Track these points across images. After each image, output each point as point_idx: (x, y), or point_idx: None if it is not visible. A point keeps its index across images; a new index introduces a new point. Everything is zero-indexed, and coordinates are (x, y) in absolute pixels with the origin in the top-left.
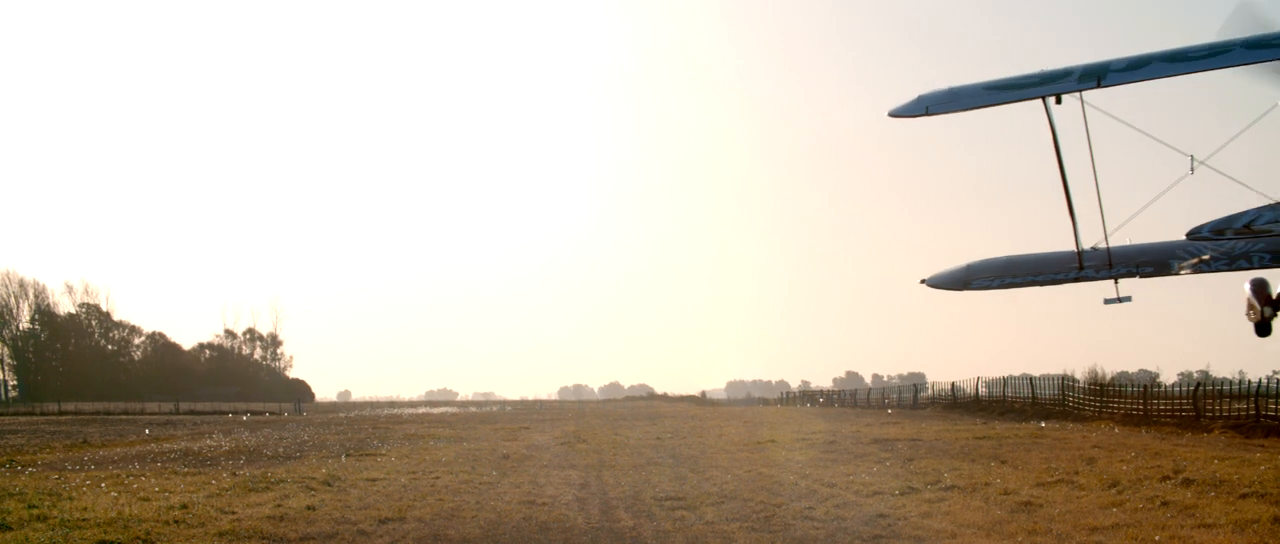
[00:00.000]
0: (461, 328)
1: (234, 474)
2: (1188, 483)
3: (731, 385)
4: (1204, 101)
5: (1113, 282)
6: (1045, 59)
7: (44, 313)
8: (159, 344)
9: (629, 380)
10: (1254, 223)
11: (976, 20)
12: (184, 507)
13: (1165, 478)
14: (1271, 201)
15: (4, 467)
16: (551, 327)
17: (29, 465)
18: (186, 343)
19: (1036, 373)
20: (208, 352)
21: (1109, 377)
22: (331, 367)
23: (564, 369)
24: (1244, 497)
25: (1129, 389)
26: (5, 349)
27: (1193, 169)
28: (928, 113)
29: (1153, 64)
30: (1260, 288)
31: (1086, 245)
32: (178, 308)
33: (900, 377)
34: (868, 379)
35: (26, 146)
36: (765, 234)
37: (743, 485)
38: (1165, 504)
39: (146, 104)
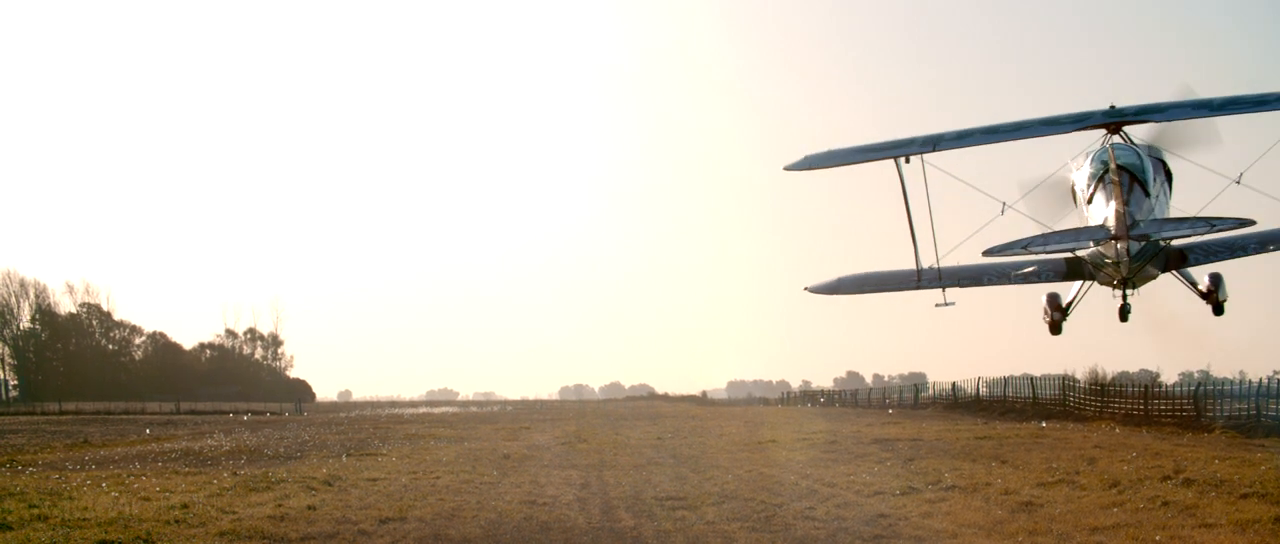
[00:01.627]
0: (462, 328)
1: (235, 474)
2: (1188, 483)
3: (732, 385)
4: (1012, 161)
5: (941, 291)
6: (1043, 55)
7: (44, 313)
8: (159, 344)
9: (630, 380)
10: (1029, 246)
11: (976, 19)
12: (184, 506)
13: (1166, 478)
14: (1044, 232)
15: (5, 466)
16: (552, 327)
17: (30, 465)
18: (187, 343)
19: (1037, 373)
20: (208, 351)
21: (1109, 377)
22: (332, 367)
23: (565, 369)
24: (1245, 497)
25: (1130, 389)
26: (6, 349)
27: (1003, 211)
28: (811, 167)
29: (975, 135)
30: (1053, 299)
31: (925, 265)
32: (178, 308)
33: (901, 376)
34: (868, 379)
35: (26, 146)
36: (765, 234)
37: (743, 485)
38: (1166, 504)
39: (146, 104)
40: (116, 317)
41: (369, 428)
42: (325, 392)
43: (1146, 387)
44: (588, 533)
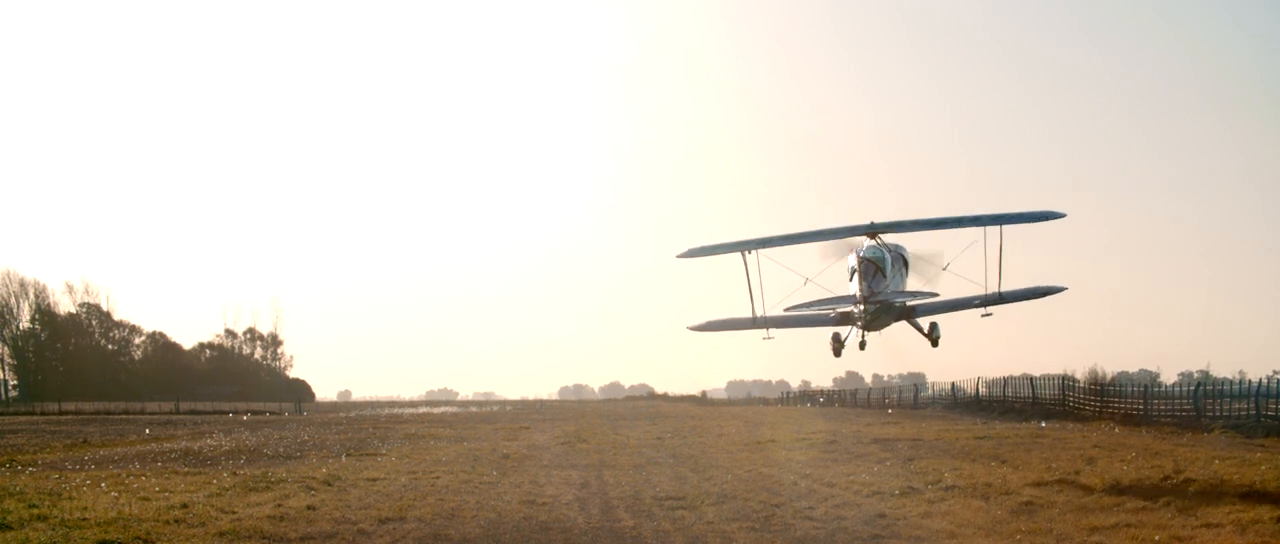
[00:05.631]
0: (461, 328)
1: (234, 474)
2: (1189, 483)
3: (732, 385)
4: (815, 252)
5: (766, 330)
6: (1041, 55)
7: (44, 313)
8: (159, 344)
9: (629, 380)
10: (811, 305)
11: (973, 15)
12: (184, 506)
13: (1166, 478)
14: (828, 296)
15: (4, 466)
16: (552, 326)
17: (29, 465)
18: (187, 342)
19: (1037, 373)
20: (208, 351)
21: (1109, 377)
22: (331, 366)
23: (564, 369)
24: (1245, 496)
25: (1129, 389)
26: (5, 349)
27: (805, 283)
28: (692, 256)
29: (791, 237)
30: (835, 335)
31: (760, 312)
32: (178, 308)
33: (900, 376)
34: (868, 379)
35: (26, 146)
36: (764, 234)
37: (743, 485)
38: (1167, 504)
39: (146, 104)
40: (116, 317)
41: (369, 428)
42: (325, 392)
43: (1146, 387)
44: (587, 533)
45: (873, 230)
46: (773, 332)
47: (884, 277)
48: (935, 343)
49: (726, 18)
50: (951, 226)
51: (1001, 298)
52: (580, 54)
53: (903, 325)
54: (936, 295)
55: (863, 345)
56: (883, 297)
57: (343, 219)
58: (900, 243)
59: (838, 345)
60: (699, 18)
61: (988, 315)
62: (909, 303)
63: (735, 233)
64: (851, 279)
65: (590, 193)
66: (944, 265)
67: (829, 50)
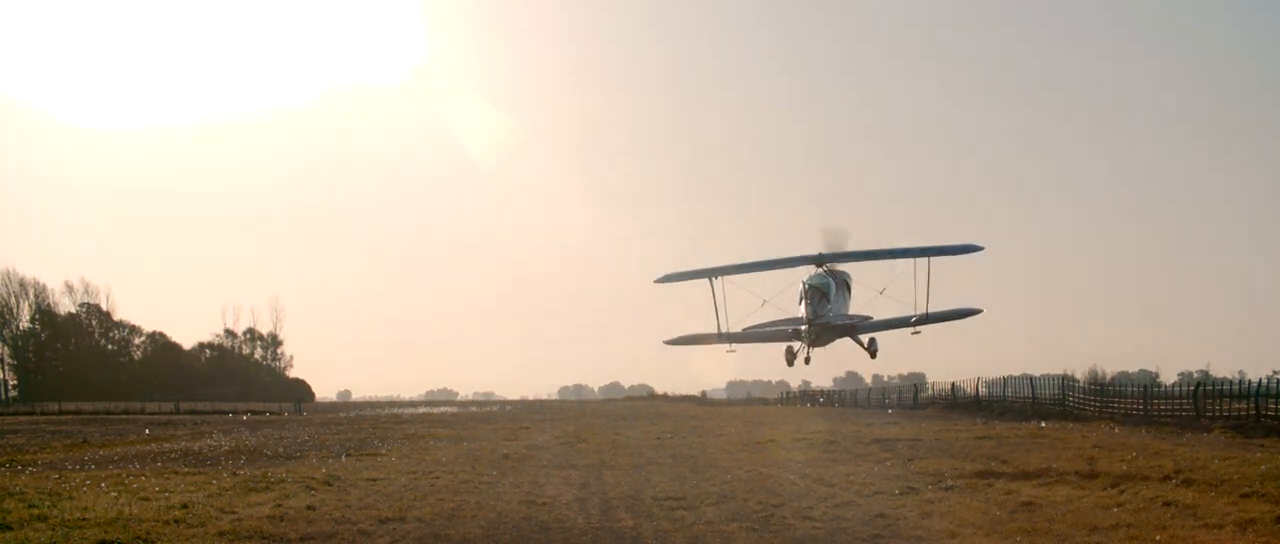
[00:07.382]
0: (462, 328)
1: (234, 474)
2: (1189, 483)
3: (732, 385)
4: (775, 278)
5: (730, 345)
6: (1041, 55)
7: (44, 313)
8: (159, 344)
9: (629, 380)
10: (764, 325)
11: (974, 15)
12: (184, 506)
13: (1166, 478)
14: (782, 318)
15: (4, 466)
16: (552, 326)
17: (29, 465)
18: (186, 343)
19: (1036, 373)
20: (208, 351)
21: (1109, 377)
22: (331, 367)
23: (564, 369)
24: (1245, 496)
25: (1129, 389)
26: (5, 349)
27: (763, 304)
28: (669, 280)
29: (749, 266)
30: (789, 349)
31: (724, 329)
32: (178, 308)
33: (900, 377)
34: (868, 379)
35: (26, 145)
36: (766, 234)
37: (742, 485)
38: (1167, 504)
39: (145, 103)
40: (116, 317)
41: (368, 428)
42: (325, 392)
43: (1146, 387)
44: (587, 533)
45: (820, 260)
46: (735, 346)
47: (828, 301)
48: (873, 355)
49: (725, 24)
50: (888, 257)
51: (928, 318)
52: (578, 54)
53: (847, 340)
54: (870, 318)
55: (808, 360)
56: (825, 319)
57: (343, 219)
58: (845, 270)
59: (790, 357)
60: (698, 23)
61: (917, 334)
62: (850, 323)
63: (733, 235)
64: (800, 303)
65: (591, 192)
66: (881, 290)
67: (827, 52)
